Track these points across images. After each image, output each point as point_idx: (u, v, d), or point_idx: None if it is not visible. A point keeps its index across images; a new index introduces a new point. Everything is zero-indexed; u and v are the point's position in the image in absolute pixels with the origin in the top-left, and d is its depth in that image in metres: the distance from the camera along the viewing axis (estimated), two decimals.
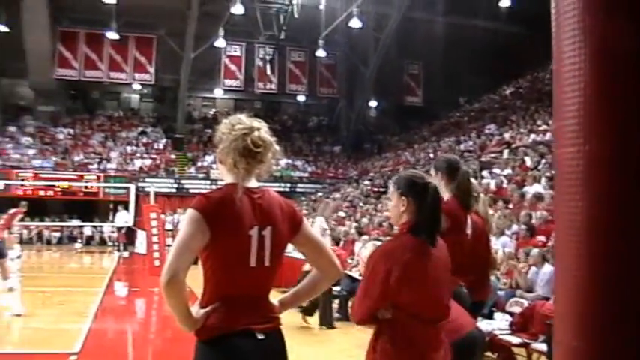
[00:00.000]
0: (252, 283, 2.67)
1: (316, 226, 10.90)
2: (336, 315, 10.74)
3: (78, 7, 31.82)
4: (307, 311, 10.16)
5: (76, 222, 31.05)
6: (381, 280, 2.90)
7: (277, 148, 2.77)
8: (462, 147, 24.25)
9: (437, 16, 29.36)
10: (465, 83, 33.70)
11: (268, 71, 35.78)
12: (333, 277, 2.92)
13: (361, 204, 22.64)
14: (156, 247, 17.12)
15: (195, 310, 2.65)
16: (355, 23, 27.78)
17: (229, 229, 2.60)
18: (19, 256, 16.39)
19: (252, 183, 2.72)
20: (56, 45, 33.58)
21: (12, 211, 13.43)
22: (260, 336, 2.61)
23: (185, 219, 2.64)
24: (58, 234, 30.97)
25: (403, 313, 2.93)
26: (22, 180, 29.87)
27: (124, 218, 24.71)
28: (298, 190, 31.88)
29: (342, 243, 13.50)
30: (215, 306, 2.64)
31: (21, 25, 30.29)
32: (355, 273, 10.42)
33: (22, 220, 17.78)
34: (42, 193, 29.96)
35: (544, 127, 18.67)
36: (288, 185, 31.68)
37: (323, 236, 10.92)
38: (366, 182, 27.79)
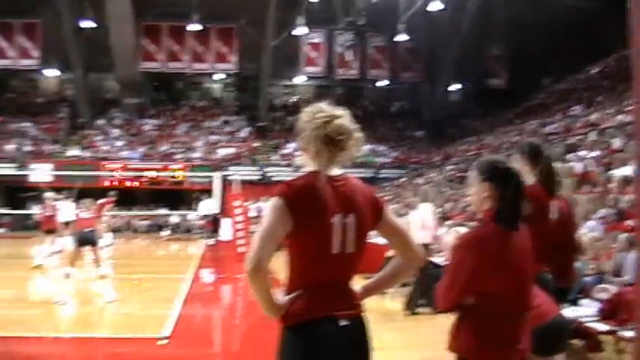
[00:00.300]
0: (334, 271, 2.68)
1: (420, 214, 10.76)
2: (419, 301, 10.69)
3: (160, 0, 32.52)
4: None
5: (162, 211, 31.85)
6: (466, 269, 2.86)
7: (359, 135, 2.76)
8: (546, 129, 23.64)
9: None
10: (549, 63, 32.74)
11: (349, 57, 35.69)
12: (415, 264, 2.92)
13: (444, 189, 22.39)
14: (240, 234, 17.37)
15: (280, 296, 2.69)
16: (435, 6, 27.36)
17: (312, 216, 2.61)
18: (109, 244, 16.94)
19: (335, 170, 2.73)
20: (140, 39, 34.42)
21: (102, 200, 13.86)
22: (343, 322, 2.63)
23: (268, 207, 2.67)
24: (145, 222, 31.82)
25: (487, 301, 2.88)
26: (111, 171, 30.83)
27: (209, 206, 25.10)
28: (382, 175, 31.68)
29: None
30: (299, 293, 2.67)
31: (106, 20, 31.26)
32: (439, 259, 10.31)
33: (111, 209, 18.38)
34: (130, 183, 30.91)
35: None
36: (372, 171, 31.48)
37: (431, 222, 10.83)
38: (450, 167, 27.43)
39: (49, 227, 16.16)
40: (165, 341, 7.93)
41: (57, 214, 16.14)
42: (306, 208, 2.61)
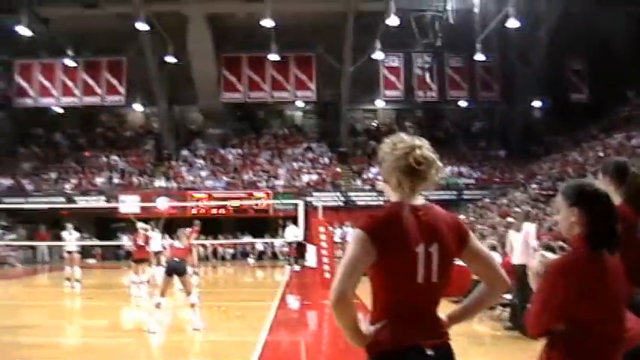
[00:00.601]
0: (420, 300, 2.66)
1: (523, 235, 10.60)
2: (506, 324, 10.44)
3: (239, 32, 33.14)
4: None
5: (248, 238, 32.25)
6: (558, 295, 2.75)
7: (440, 164, 2.75)
8: (632, 142, 22.90)
9: (596, 7, 28.03)
10: (633, 75, 31.76)
11: (428, 79, 35.46)
12: (500, 290, 2.88)
13: (529, 208, 21.89)
14: (325, 259, 17.38)
15: (365, 326, 2.67)
16: (512, 23, 26.94)
17: (396, 247, 2.60)
18: (196, 273, 17.23)
19: (417, 200, 2.72)
20: (221, 70, 35.15)
21: (187, 230, 14.10)
22: (429, 352, 2.59)
23: (352, 239, 2.66)
24: (231, 250, 32.33)
25: (580, 328, 2.77)
26: (197, 200, 31.48)
27: (294, 233, 25.25)
28: (465, 197, 31.27)
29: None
30: (384, 323, 2.64)
31: (188, 55, 32.18)
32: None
33: (197, 238, 18.72)
34: (215, 211, 31.45)
35: None
36: (455, 193, 31.18)
37: (534, 242, 10.63)
38: (534, 185, 26.83)
39: (139, 257, 16.62)
40: None
41: (148, 244, 16.62)
42: (390, 239, 2.59)
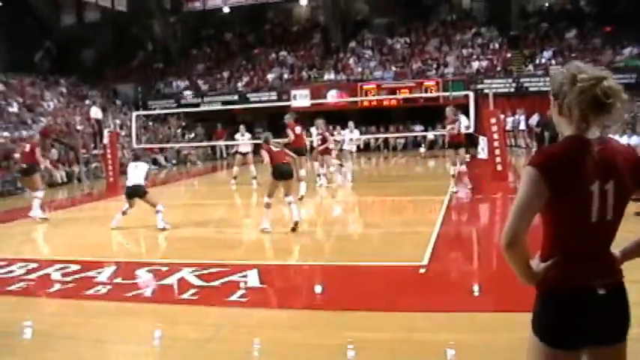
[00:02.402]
0: (593, 238, 2.56)
1: None
2: None
3: None
4: None
5: (419, 127, 32.13)
6: None
7: (626, 97, 2.56)
8: None
9: None
10: None
11: None
12: None
13: None
14: (497, 152, 16.97)
15: (536, 263, 2.63)
16: None
17: (570, 186, 2.49)
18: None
19: (595, 134, 2.54)
20: None
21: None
22: (601, 291, 2.51)
23: (523, 177, 2.56)
24: (402, 140, 32.40)
25: None
26: (366, 92, 31.59)
27: (464, 124, 24.59)
28: None
29: None
30: (555, 260, 2.58)
31: None
32: None
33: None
34: (385, 102, 31.46)
35: None
36: (634, 76, 28.38)
37: None
38: None
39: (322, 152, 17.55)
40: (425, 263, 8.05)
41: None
42: (564, 177, 2.48)
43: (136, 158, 12.78)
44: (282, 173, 10.97)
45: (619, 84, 2.53)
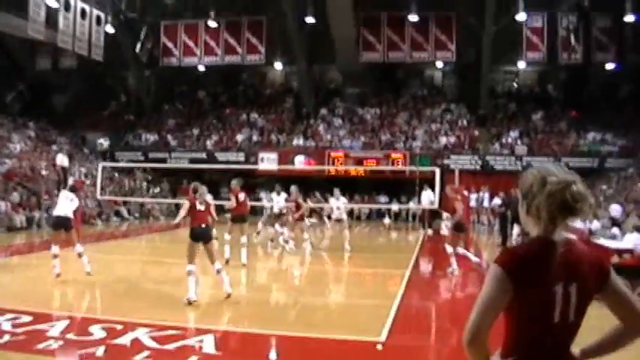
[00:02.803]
0: (554, 339, 2.57)
1: None
2: None
3: None
4: None
5: (383, 198, 32.36)
6: None
7: (593, 201, 2.62)
8: None
9: None
10: None
11: (572, 41, 33.66)
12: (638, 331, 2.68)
13: None
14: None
15: None
16: None
17: (534, 286, 2.52)
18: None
19: (561, 235, 2.59)
20: (360, 30, 35.03)
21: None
22: None
23: (489, 275, 2.58)
24: (367, 211, 32.55)
25: None
26: (334, 160, 31.83)
27: (429, 198, 24.92)
28: (607, 165, 29.41)
29: None
30: (515, 359, 2.58)
31: (327, 14, 32.26)
32: None
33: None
34: (352, 172, 31.71)
35: None
36: (597, 160, 29.61)
37: None
38: None
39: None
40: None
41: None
42: (528, 277, 2.51)
43: (72, 190, 12.69)
44: (198, 235, 10.41)
45: (584, 186, 2.58)
